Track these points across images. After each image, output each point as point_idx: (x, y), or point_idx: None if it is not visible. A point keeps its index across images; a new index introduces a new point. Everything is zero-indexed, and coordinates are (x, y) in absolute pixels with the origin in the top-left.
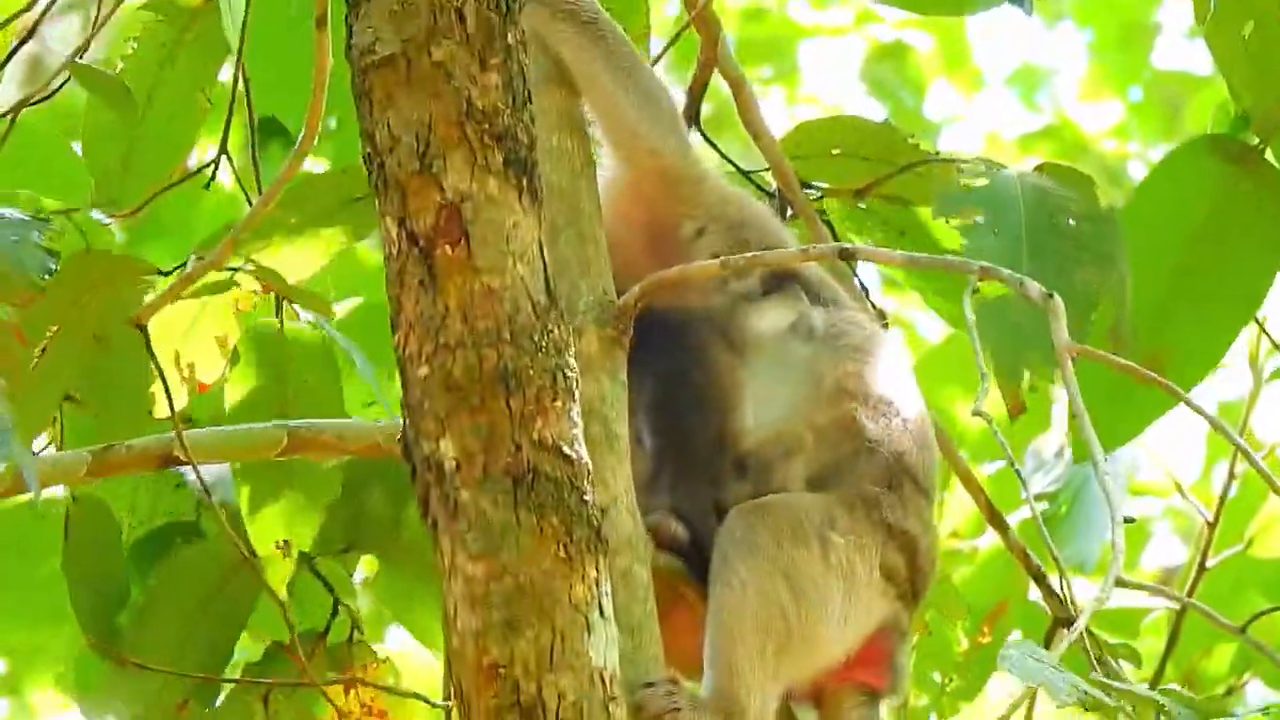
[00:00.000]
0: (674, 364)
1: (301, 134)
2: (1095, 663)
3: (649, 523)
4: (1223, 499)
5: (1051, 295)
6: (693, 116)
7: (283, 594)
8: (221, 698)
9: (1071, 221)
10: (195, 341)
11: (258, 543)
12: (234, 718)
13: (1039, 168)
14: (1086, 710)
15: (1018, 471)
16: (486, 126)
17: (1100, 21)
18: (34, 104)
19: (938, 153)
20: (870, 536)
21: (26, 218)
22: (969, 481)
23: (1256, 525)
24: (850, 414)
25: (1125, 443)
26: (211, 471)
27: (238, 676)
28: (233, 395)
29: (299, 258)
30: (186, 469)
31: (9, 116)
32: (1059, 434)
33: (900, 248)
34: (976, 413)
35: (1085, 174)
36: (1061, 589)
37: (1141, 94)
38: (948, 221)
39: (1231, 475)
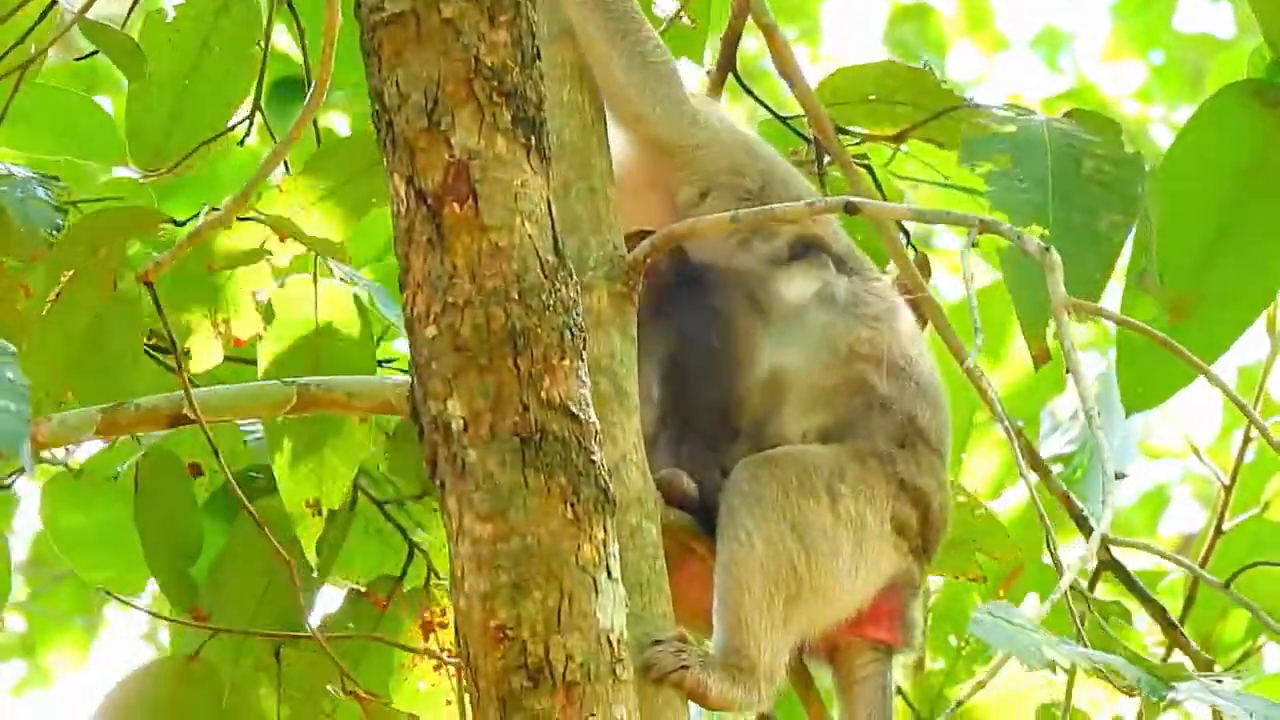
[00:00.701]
0: (696, 321)
1: (310, 89)
2: (1079, 626)
3: (659, 478)
4: (1238, 463)
5: (1048, 249)
6: (728, 65)
7: (311, 552)
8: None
9: (1098, 166)
10: (231, 296)
11: (288, 500)
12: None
13: (1067, 114)
14: (1054, 674)
15: (1007, 430)
16: (495, 84)
17: None
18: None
19: (970, 98)
20: (881, 489)
21: (33, 174)
22: (1008, 430)
23: (1273, 489)
24: (861, 374)
25: (1160, 402)
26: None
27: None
28: (267, 351)
29: (333, 222)
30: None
31: (18, 73)
32: (1074, 397)
33: (944, 194)
34: (967, 370)
35: (1112, 120)
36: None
37: (1163, 57)
38: (974, 168)
39: (1247, 439)
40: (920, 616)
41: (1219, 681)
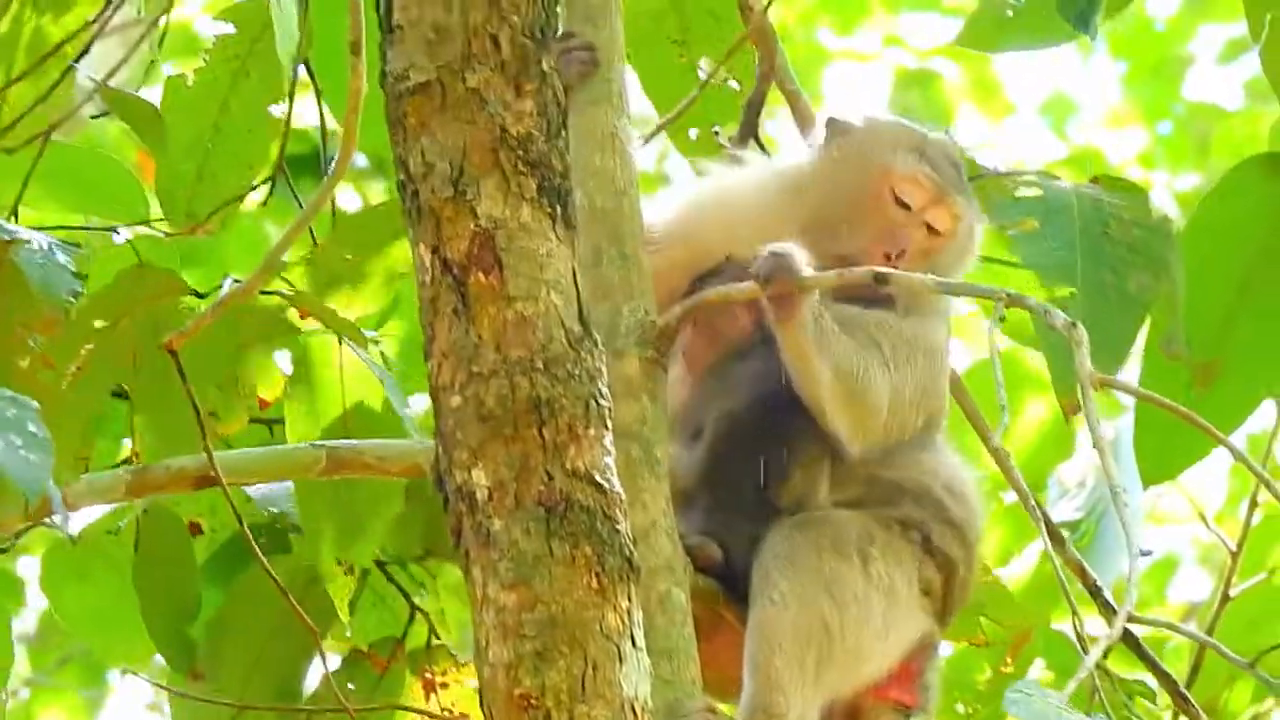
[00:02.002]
0: (766, 383)
1: (335, 159)
2: (1105, 704)
3: (688, 545)
4: (1246, 528)
5: (1075, 325)
6: (752, 130)
7: (344, 611)
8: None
9: (1126, 230)
10: (254, 357)
11: (323, 563)
12: None
13: (1094, 179)
14: None
15: (1033, 505)
16: (521, 153)
17: (1134, 53)
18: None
19: (996, 168)
20: (908, 552)
21: (53, 240)
22: (1022, 495)
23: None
24: (912, 481)
25: (1178, 474)
26: (273, 488)
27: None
28: (294, 413)
29: (364, 294)
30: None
31: (40, 140)
32: (1082, 461)
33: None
34: (993, 450)
35: (1138, 184)
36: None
37: (1171, 127)
38: (1003, 229)
39: (1254, 504)
40: (936, 680)
41: None
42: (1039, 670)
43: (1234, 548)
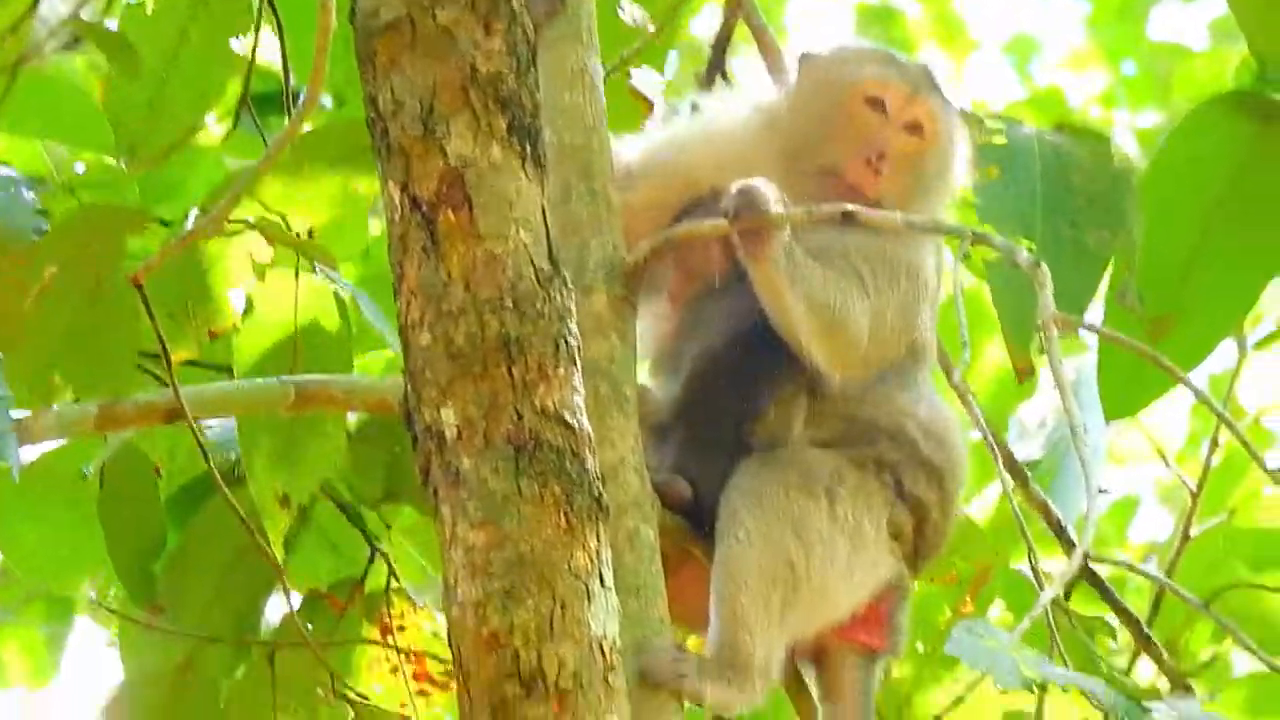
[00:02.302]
0: (746, 319)
1: (304, 94)
2: (1058, 641)
3: (656, 482)
4: (1206, 470)
5: (1039, 264)
6: (719, 68)
7: (279, 548)
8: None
9: (1087, 180)
10: (212, 288)
11: (261, 497)
12: (244, 677)
13: (1058, 127)
14: (1032, 692)
15: (991, 442)
16: (491, 92)
17: None
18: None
19: (960, 110)
20: (879, 495)
21: (17, 176)
22: (983, 431)
23: (1239, 495)
24: (889, 420)
25: (1140, 409)
26: (229, 432)
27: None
28: (243, 346)
29: (320, 200)
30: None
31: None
32: (1041, 405)
33: None
34: (954, 386)
35: (1103, 134)
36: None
37: (1135, 67)
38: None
39: (1214, 445)
40: (905, 623)
41: (1188, 700)
42: (999, 610)
43: (1194, 488)
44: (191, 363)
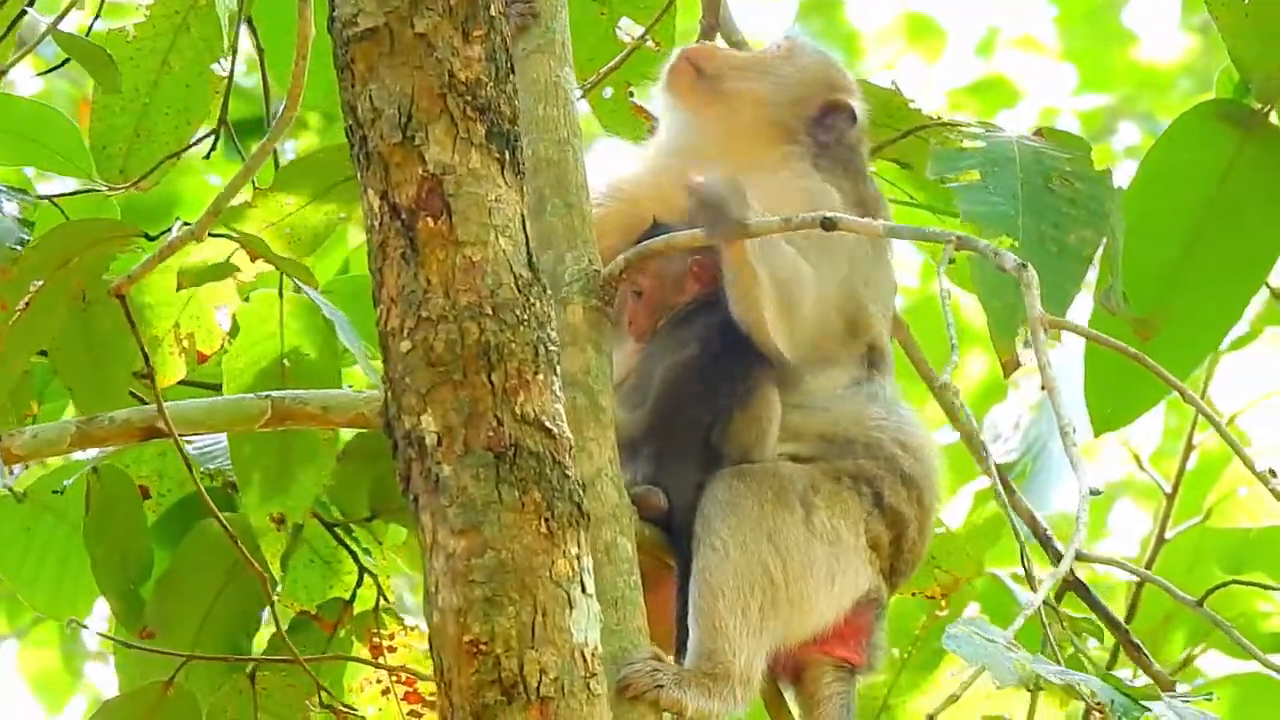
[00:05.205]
0: (714, 335)
1: (282, 104)
2: (1052, 640)
3: (633, 493)
4: (1181, 470)
5: (1025, 266)
6: None
7: (276, 565)
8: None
9: (1067, 183)
10: (195, 311)
11: (255, 516)
12: (225, 695)
13: (1036, 131)
14: (1030, 691)
15: (983, 444)
16: (469, 99)
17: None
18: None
19: (939, 116)
20: (855, 505)
21: (2, 187)
22: (972, 437)
23: (1214, 496)
24: (862, 436)
25: (1128, 422)
26: (213, 447)
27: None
28: (232, 366)
29: (304, 237)
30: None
31: None
32: (1016, 406)
33: (910, 213)
34: (943, 386)
35: (1080, 138)
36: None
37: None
38: (943, 181)
39: (1189, 446)
40: (884, 639)
41: (1182, 700)
42: (973, 614)
43: (1169, 490)
44: (184, 382)
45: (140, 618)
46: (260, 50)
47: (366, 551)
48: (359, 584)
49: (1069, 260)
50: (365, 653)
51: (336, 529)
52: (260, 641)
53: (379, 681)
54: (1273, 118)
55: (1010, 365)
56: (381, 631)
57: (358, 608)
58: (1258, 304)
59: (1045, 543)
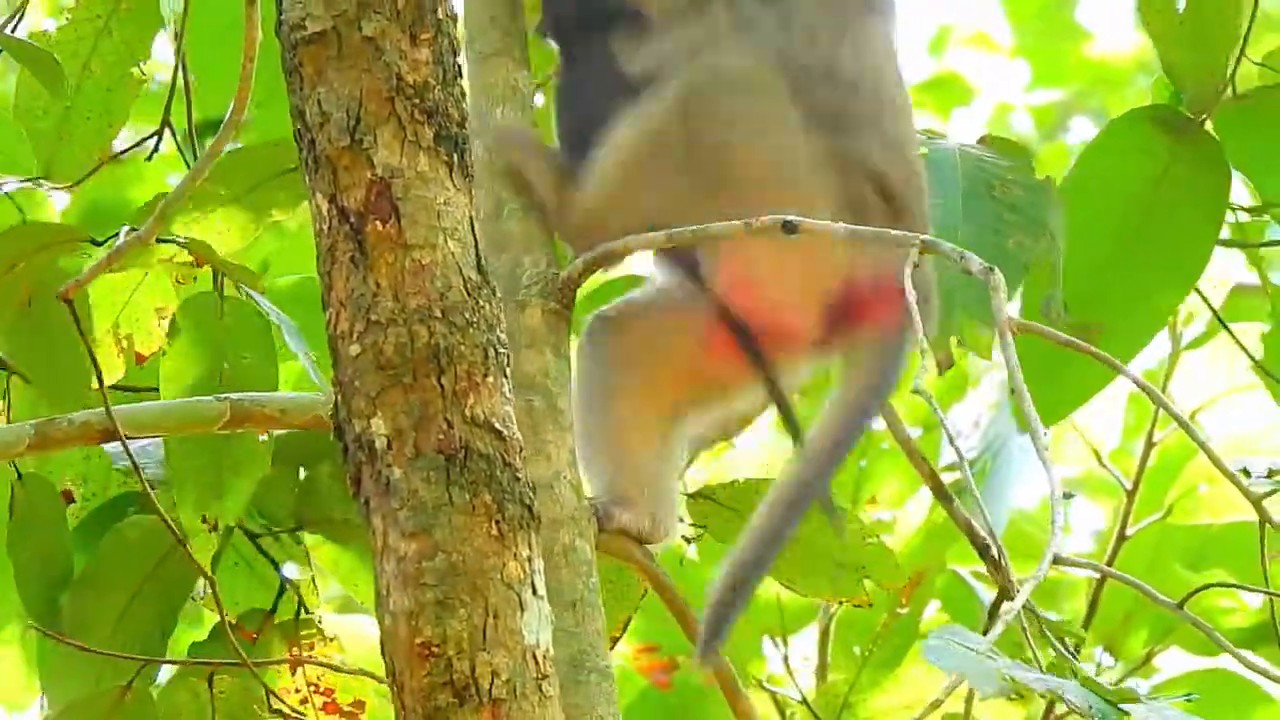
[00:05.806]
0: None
1: (230, 108)
2: (1030, 643)
3: (593, 503)
4: (1142, 467)
5: (993, 269)
6: None
7: (208, 567)
8: (165, 678)
9: (1008, 190)
10: (133, 312)
11: (186, 519)
12: (178, 698)
13: (980, 139)
14: (1011, 700)
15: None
16: (417, 102)
17: None
18: None
19: None
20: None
21: None
22: (911, 452)
23: (1175, 493)
24: None
25: (1063, 417)
26: (146, 445)
27: (182, 656)
28: (170, 368)
29: (232, 230)
30: (118, 444)
31: None
32: (975, 405)
33: None
34: (916, 391)
35: (1022, 145)
36: (1002, 563)
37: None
38: None
39: (1150, 443)
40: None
41: (1160, 702)
42: (933, 611)
43: (1129, 486)
44: (116, 386)
45: (57, 625)
46: (181, 57)
47: (306, 556)
48: (280, 593)
49: (1008, 265)
50: (286, 665)
51: (256, 538)
52: (178, 645)
53: (298, 691)
54: (1208, 125)
55: (946, 363)
56: (301, 643)
57: (278, 617)
58: (1217, 301)
59: (983, 552)
